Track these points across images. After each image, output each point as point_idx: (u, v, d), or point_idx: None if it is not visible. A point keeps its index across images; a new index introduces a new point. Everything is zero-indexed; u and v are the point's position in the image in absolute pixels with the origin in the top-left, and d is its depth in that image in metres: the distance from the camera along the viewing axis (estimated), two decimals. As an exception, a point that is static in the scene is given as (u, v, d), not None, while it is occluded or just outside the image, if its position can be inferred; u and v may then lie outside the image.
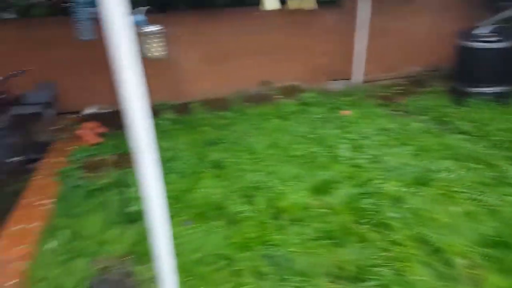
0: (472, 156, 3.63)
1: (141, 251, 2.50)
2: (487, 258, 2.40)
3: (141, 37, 4.09)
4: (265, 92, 5.58)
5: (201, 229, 2.70)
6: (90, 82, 4.83)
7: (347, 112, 4.92)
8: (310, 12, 4.82)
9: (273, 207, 2.95)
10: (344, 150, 3.83)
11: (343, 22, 5.64)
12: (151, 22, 4.10)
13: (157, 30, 4.11)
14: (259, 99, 5.41)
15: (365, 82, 5.92)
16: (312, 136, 4.24)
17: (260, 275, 2.28)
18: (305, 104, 5.24)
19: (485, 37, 4.88)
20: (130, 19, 1.26)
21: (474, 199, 2.97)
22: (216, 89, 5.39)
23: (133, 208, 2.87)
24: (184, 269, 2.28)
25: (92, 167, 3.74)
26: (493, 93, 4.91)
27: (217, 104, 5.18)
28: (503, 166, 3.40)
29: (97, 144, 4.25)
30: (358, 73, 5.84)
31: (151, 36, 4.10)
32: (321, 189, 3.18)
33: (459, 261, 2.36)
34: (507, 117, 4.41)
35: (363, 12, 5.43)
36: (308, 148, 3.93)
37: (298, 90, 5.60)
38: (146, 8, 4.14)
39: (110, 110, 4.86)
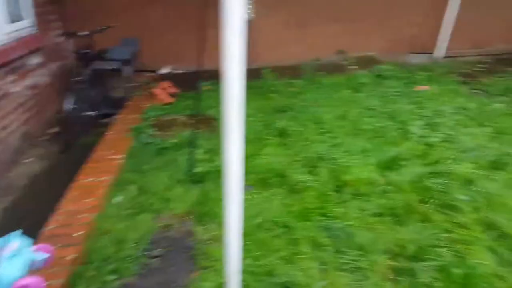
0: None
1: (203, 212, 2.65)
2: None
3: None
4: (340, 61, 5.45)
5: (263, 196, 2.81)
6: (169, 42, 5.07)
7: (424, 88, 4.66)
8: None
9: (336, 179, 2.99)
10: (416, 127, 3.70)
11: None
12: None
13: None
14: (333, 68, 5.31)
15: (448, 57, 5.50)
16: (384, 110, 4.13)
17: (317, 245, 2.34)
18: (380, 76, 5.05)
19: None
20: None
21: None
22: (291, 56, 5.34)
23: (198, 169, 3.03)
24: (246, 233, 2.43)
25: (164, 126, 3.95)
26: None
27: (289, 72, 5.18)
28: None
29: (170, 103, 4.50)
30: (442, 47, 5.44)
31: None
32: (388, 165, 3.14)
33: (528, 250, 2.25)
34: None
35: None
36: (378, 122, 3.85)
37: (374, 61, 5.39)
38: None
39: (184, 71, 5.12)
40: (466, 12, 5.18)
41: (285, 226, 2.53)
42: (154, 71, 5.32)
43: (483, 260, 2.20)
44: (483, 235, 2.39)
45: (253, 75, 5.27)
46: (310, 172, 3.11)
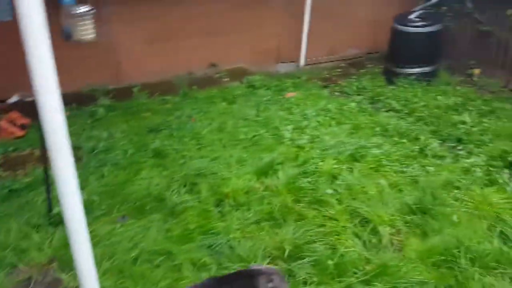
0: (399, 131, 3.91)
1: (68, 257, 2.28)
2: (408, 225, 2.66)
3: (70, 19, 3.81)
4: (213, 74, 5.52)
5: (139, 224, 2.65)
6: (14, 68, 4.46)
7: (291, 94, 5.03)
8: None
9: (216, 193, 2.99)
10: (287, 132, 3.94)
11: (292, 4, 5.66)
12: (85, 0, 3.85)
13: (86, 11, 3.85)
14: (205, 82, 5.34)
15: (309, 64, 6.06)
16: (257, 118, 4.31)
17: (200, 266, 2.30)
18: (252, 86, 5.28)
19: (413, 21, 5.23)
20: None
21: (399, 171, 3.23)
22: (160, 71, 5.20)
23: (58, 210, 2.70)
24: (119, 271, 2.25)
25: (13, 163, 3.48)
26: (420, 73, 5.30)
27: (160, 88, 5.03)
28: (426, 140, 3.71)
29: (20, 137, 3.95)
30: (303, 56, 5.97)
31: (80, 18, 3.83)
32: (264, 171, 3.27)
33: (384, 229, 2.58)
34: (430, 95, 4.79)
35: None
36: (254, 131, 3.99)
37: (245, 72, 5.60)
38: None
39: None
40: (318, 23, 5.80)
41: (166, 253, 2.43)
42: (2, 101, 4.60)
43: (351, 247, 2.44)
44: (348, 224, 2.65)
45: (121, 94, 5.03)
46: (189, 191, 3.06)
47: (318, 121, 4.23)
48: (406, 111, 4.42)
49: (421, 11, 5.48)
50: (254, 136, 3.89)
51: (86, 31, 3.82)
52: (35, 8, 1.15)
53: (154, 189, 3.02)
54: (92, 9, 3.80)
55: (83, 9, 3.78)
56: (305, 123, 4.18)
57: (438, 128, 4.00)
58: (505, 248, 2.39)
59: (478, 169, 3.21)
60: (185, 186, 3.10)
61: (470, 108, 4.43)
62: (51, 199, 2.71)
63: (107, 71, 4.93)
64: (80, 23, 3.72)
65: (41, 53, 1.17)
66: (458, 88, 5.09)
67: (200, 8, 5.13)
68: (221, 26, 5.37)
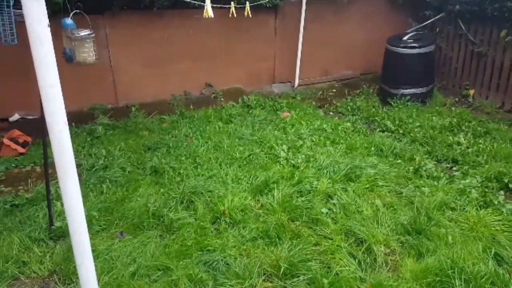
0: (394, 151, 3.99)
1: (68, 270, 2.40)
2: (403, 245, 2.68)
3: (71, 42, 3.92)
4: (208, 95, 5.62)
5: (137, 240, 2.68)
6: (17, 87, 4.55)
7: (286, 114, 5.13)
8: (252, 17, 4.96)
9: (212, 211, 3.02)
10: (282, 151, 4.00)
11: (285, 28, 5.83)
12: (86, 24, 3.97)
13: (87, 35, 3.96)
14: (201, 102, 5.44)
15: (304, 85, 6.19)
16: (253, 138, 4.38)
17: (196, 282, 2.31)
18: (248, 106, 5.37)
19: (406, 43, 5.37)
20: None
21: (394, 192, 3.28)
22: (157, 91, 5.31)
23: (58, 224, 2.76)
24: (118, 285, 2.26)
25: (15, 180, 3.54)
26: (414, 93, 5.42)
27: (158, 107, 5.13)
28: (421, 160, 3.77)
29: (22, 154, 4.03)
30: (297, 77, 6.10)
31: (81, 41, 3.94)
32: (260, 189, 3.31)
33: (379, 249, 2.60)
34: (425, 116, 4.89)
35: (302, 19, 5.68)
36: (249, 149, 4.05)
37: (241, 93, 5.72)
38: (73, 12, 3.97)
39: (37, 117, 4.62)
40: (312, 45, 5.96)
41: (163, 268, 2.44)
42: (4, 120, 4.65)
43: (345, 266, 2.46)
44: (344, 243, 2.67)
45: (121, 114, 5.10)
46: (186, 208, 3.09)
47: (313, 141, 4.30)
48: (401, 132, 4.52)
49: (414, 33, 5.65)
50: (250, 155, 3.95)
51: (87, 54, 3.93)
52: (44, 36, 1.24)
53: (151, 206, 3.04)
54: (92, 33, 3.93)
55: (84, 33, 3.90)
56: (300, 142, 4.25)
57: (433, 149, 4.08)
58: (500, 270, 2.40)
59: (473, 190, 3.25)
60: (182, 203, 3.13)
61: (465, 129, 4.53)
62: (52, 214, 2.75)
63: (106, 90, 5.02)
64: (82, 47, 3.84)
65: (52, 81, 1.24)
66: (453, 108, 5.21)
67: (196, 30, 5.29)
68: (216, 48, 5.52)
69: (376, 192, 3.27)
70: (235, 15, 4.86)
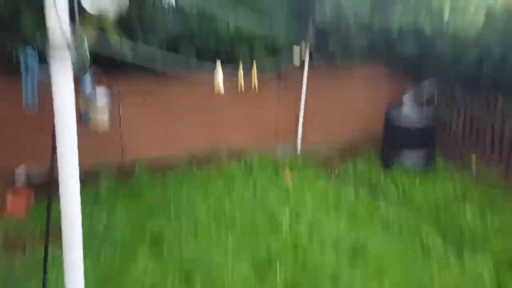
0: (399, 224, 3.89)
1: None
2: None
3: (88, 109, 4.00)
4: (211, 154, 5.62)
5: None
6: (22, 142, 4.50)
7: (288, 177, 5.08)
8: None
9: (210, 285, 2.87)
10: (284, 218, 3.91)
11: (287, 93, 5.99)
12: (100, 82, 4.06)
13: (103, 106, 4.07)
14: (204, 160, 5.43)
15: (306, 149, 6.21)
16: (255, 201, 4.31)
17: None
18: (250, 167, 5.36)
19: (407, 117, 5.50)
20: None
21: (402, 272, 3.14)
22: (162, 149, 5.30)
23: None
24: None
25: (11, 245, 3.39)
26: (415, 159, 5.45)
27: (161, 166, 5.09)
28: (427, 235, 3.66)
29: (23, 215, 3.91)
30: (299, 141, 6.18)
31: (98, 109, 4.03)
32: (262, 264, 3.17)
33: None
34: (427, 183, 4.88)
35: (304, 85, 5.88)
36: (250, 215, 3.96)
37: (244, 153, 5.72)
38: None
39: (43, 171, 4.53)
40: (314, 110, 6.12)
41: None
42: (10, 174, 4.55)
43: None
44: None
45: (125, 171, 5.05)
46: (184, 283, 2.94)
47: (315, 207, 4.23)
48: (405, 201, 4.45)
49: (411, 101, 5.76)
50: (251, 221, 3.86)
51: (101, 122, 4.04)
52: (69, 106, 1.35)
53: (149, 280, 2.90)
54: (108, 102, 4.04)
55: (101, 103, 4.01)
56: (302, 208, 4.17)
57: (438, 222, 3.98)
58: None
59: (485, 273, 3.08)
60: (180, 278, 2.98)
61: (470, 199, 4.45)
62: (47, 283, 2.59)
63: (112, 146, 4.99)
64: (96, 113, 3.96)
65: (70, 147, 1.31)
66: (455, 175, 5.16)
67: (204, 93, 5.38)
68: (222, 110, 5.61)
69: (382, 272, 3.11)
70: (243, 90, 5.00)
